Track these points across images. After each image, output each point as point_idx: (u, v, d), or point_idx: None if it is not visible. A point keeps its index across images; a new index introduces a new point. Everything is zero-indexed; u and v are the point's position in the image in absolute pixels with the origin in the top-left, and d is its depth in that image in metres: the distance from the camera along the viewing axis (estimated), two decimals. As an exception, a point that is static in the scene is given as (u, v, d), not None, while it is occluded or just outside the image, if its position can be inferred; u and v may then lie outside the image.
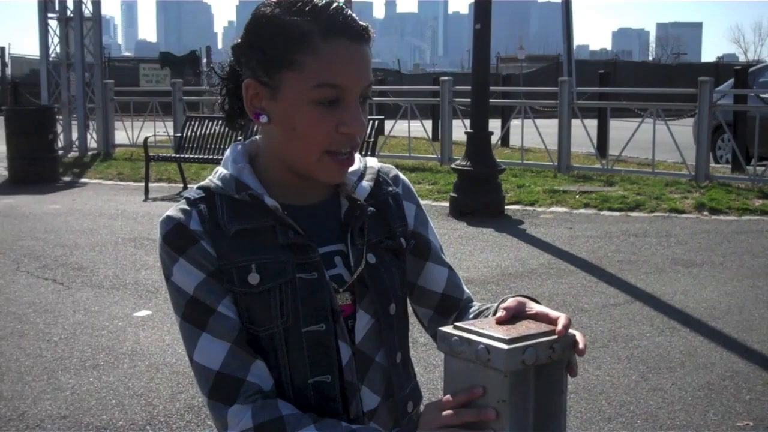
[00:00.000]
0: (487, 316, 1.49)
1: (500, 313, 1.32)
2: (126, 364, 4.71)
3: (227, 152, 1.49)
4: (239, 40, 1.43)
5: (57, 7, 16.42)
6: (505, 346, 1.22)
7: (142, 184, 11.58)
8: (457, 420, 1.26)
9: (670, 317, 5.48)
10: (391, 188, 1.56)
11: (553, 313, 1.31)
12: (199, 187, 1.46)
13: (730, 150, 12.53)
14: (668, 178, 11.23)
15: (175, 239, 1.41)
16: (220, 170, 1.46)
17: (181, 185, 11.89)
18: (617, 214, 9.23)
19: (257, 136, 1.52)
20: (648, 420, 3.96)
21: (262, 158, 1.47)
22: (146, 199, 10.95)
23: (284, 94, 1.37)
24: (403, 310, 1.54)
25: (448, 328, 1.30)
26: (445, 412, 1.28)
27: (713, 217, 9.01)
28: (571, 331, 1.29)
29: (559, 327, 1.27)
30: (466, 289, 1.65)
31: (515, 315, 1.34)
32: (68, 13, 16.42)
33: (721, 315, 5.51)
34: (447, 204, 9.53)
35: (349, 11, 1.38)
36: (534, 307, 1.34)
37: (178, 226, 1.41)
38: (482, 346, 1.24)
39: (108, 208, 10.10)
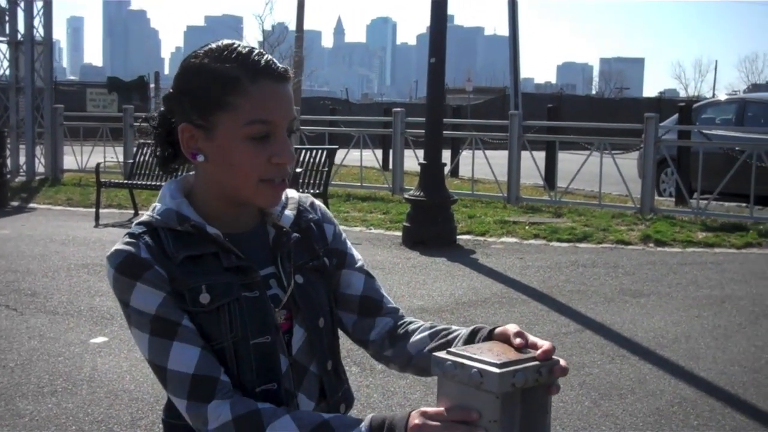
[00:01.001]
0: (453, 341, 1.60)
1: (518, 340, 1.42)
2: (85, 391, 4.70)
3: (163, 189, 1.62)
4: (171, 91, 1.57)
5: (7, 31, 16.28)
6: (497, 370, 1.31)
7: (92, 209, 11.50)
8: None
9: (620, 345, 5.64)
10: (311, 215, 1.73)
11: (540, 341, 1.43)
12: (139, 224, 1.58)
13: (674, 184, 12.87)
14: (614, 211, 11.50)
15: (129, 268, 1.51)
16: (158, 206, 1.59)
17: (132, 212, 11.83)
18: (566, 245, 9.43)
19: (187, 174, 1.66)
20: (601, 445, 4.08)
21: (199, 193, 1.61)
22: (97, 225, 10.88)
23: (219, 134, 1.52)
24: (331, 323, 1.69)
25: (441, 354, 1.39)
26: (436, 423, 1.34)
27: (659, 248, 9.25)
28: (554, 357, 1.40)
29: (539, 351, 1.38)
30: (391, 300, 1.79)
31: (508, 341, 1.45)
32: (19, 36, 16.29)
33: (669, 344, 5.68)
34: (399, 233, 9.65)
35: (269, 56, 1.54)
36: (526, 335, 1.46)
37: (129, 256, 1.52)
38: (475, 370, 1.32)
39: (59, 233, 10.01)
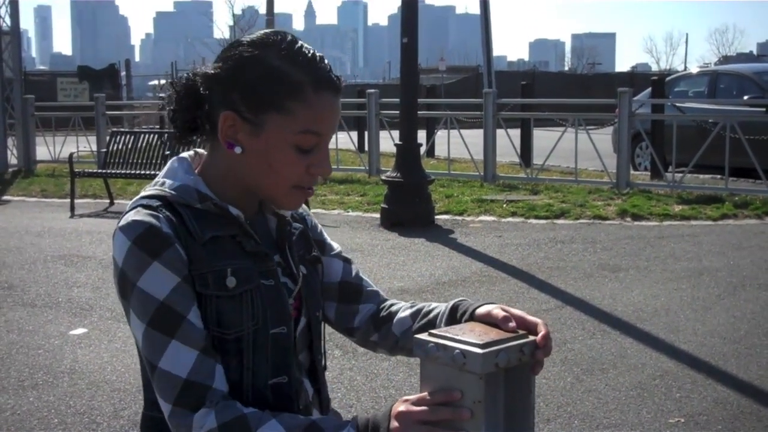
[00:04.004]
0: (435, 320, 1.61)
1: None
2: (66, 383, 4.67)
3: (173, 164, 1.54)
4: (218, 71, 1.47)
5: (-26, 21, 16.07)
6: (480, 351, 1.31)
7: (67, 200, 11.40)
8: (434, 416, 1.33)
9: (600, 321, 5.67)
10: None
11: (529, 318, 1.43)
12: (151, 197, 1.48)
13: (649, 157, 12.93)
14: (591, 186, 11.53)
15: (149, 242, 1.41)
16: (169, 181, 1.50)
17: (107, 201, 11.74)
18: (544, 221, 9.46)
19: (191, 152, 1.58)
20: (585, 420, 4.10)
21: (214, 176, 1.52)
22: (72, 215, 10.78)
23: (266, 133, 1.45)
24: (323, 313, 1.70)
25: (424, 335, 1.38)
26: (421, 407, 1.34)
27: (636, 223, 9.30)
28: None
29: (539, 337, 1.38)
30: (371, 283, 1.78)
31: (490, 322, 1.45)
32: (-15, 27, 16.09)
33: (649, 317, 5.72)
34: (378, 215, 9.64)
35: (328, 61, 1.49)
36: (512, 311, 1.45)
37: (151, 229, 1.42)
38: (458, 351, 1.32)
39: (34, 225, 9.92)
